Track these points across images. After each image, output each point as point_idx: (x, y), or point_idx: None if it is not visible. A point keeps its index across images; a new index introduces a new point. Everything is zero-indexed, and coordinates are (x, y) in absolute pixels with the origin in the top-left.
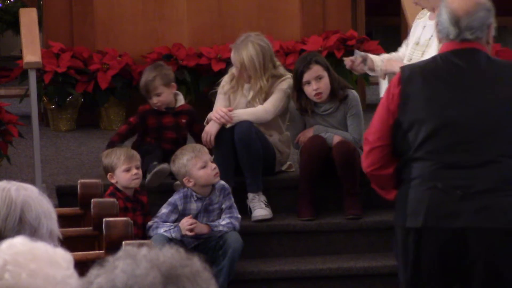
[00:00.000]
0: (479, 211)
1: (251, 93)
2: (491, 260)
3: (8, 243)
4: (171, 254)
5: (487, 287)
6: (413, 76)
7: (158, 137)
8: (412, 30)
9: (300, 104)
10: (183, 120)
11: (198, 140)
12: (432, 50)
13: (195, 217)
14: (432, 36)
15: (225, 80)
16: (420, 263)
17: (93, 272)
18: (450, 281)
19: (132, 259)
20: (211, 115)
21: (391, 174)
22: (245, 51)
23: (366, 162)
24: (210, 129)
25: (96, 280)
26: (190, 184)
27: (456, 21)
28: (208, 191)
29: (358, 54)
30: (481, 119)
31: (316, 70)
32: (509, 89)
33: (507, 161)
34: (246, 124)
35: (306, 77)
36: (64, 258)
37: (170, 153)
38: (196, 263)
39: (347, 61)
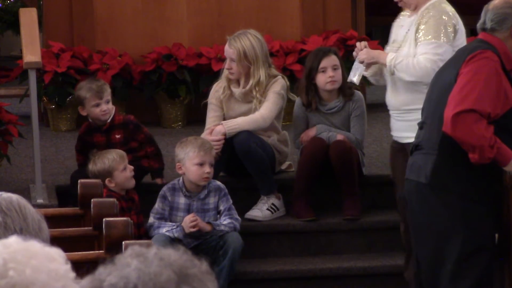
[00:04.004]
0: (409, 166)
1: (250, 82)
2: (411, 207)
3: (2, 243)
4: (179, 255)
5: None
6: None
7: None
8: (391, 30)
9: (307, 98)
10: (117, 136)
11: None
12: (407, 44)
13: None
14: (408, 31)
15: (215, 89)
16: None
17: (103, 270)
18: None
19: (143, 257)
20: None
21: None
22: (245, 39)
23: None
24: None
25: (107, 278)
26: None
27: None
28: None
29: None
30: (432, 93)
31: (334, 59)
32: (450, 73)
33: (429, 123)
34: (244, 134)
35: (324, 63)
36: (59, 254)
37: None
38: (203, 264)
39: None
